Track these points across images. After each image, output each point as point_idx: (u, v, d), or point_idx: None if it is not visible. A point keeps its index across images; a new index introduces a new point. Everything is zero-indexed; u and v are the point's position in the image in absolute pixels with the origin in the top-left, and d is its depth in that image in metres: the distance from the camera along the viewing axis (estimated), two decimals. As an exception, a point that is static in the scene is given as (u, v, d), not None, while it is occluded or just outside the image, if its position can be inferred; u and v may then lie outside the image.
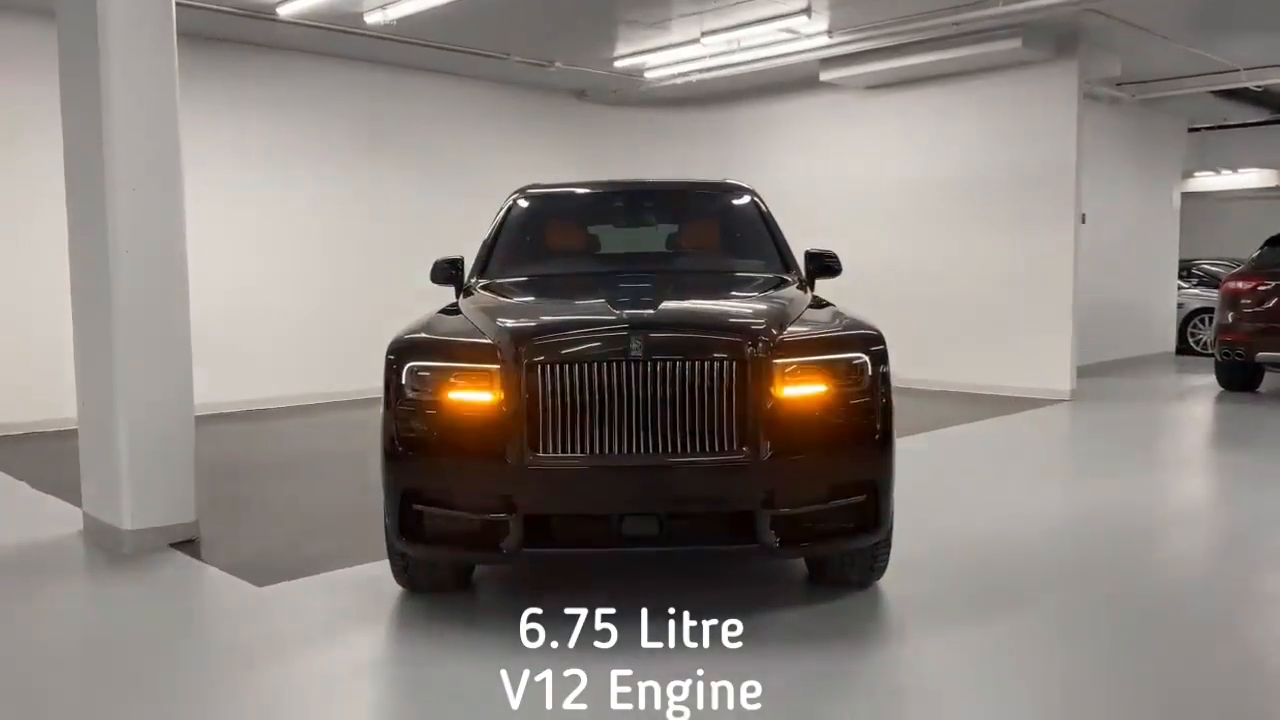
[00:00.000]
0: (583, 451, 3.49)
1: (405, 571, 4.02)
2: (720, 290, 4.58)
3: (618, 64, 10.58)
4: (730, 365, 3.52)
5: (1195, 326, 14.80)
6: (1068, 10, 8.60)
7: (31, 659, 3.57)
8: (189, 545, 4.90)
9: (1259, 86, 11.97)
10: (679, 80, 11.09)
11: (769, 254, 5.05)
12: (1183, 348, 14.83)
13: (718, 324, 3.85)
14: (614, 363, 3.49)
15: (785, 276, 4.82)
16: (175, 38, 4.92)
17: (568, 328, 3.70)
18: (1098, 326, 12.52)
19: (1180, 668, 3.41)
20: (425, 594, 4.12)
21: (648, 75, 11.07)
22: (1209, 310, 14.03)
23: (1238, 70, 11.11)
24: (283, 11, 8.38)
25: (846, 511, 3.66)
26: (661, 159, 11.94)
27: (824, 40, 9.55)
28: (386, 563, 4.11)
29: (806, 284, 4.80)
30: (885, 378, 3.73)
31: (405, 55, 10.15)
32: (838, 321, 4.01)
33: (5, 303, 8.28)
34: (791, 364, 3.61)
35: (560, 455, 3.49)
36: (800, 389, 3.61)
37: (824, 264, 4.84)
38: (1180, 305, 14.90)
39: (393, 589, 4.14)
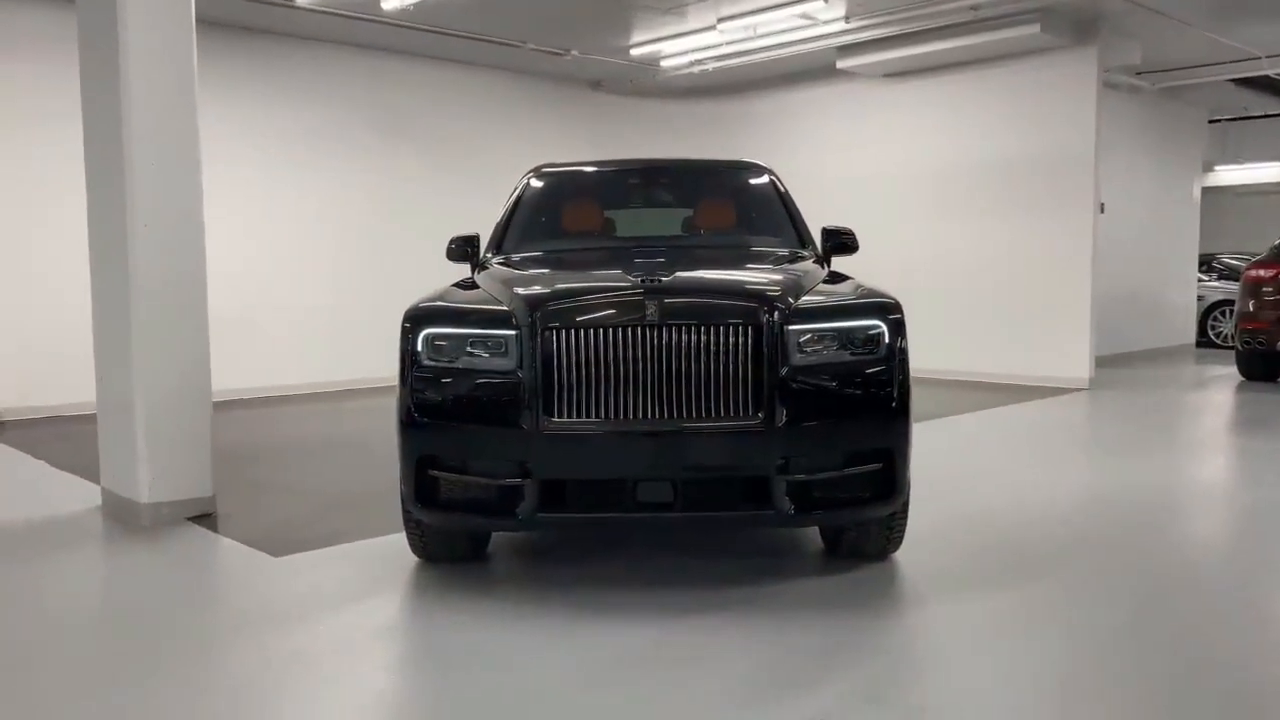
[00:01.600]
0: (598, 417, 3.49)
1: (421, 540, 4.03)
2: (736, 262, 4.57)
3: (633, 52, 10.57)
4: (746, 331, 3.51)
5: (1215, 319, 14.72)
6: (1086, -6, 8.56)
7: (51, 624, 3.60)
8: (206, 519, 4.94)
9: (1280, 74, 11.87)
10: (695, 69, 11.08)
11: (786, 231, 5.07)
12: (1203, 340, 14.76)
13: (734, 290, 3.84)
14: (630, 328, 3.48)
15: (801, 252, 4.82)
16: (193, 14, 4.95)
17: (583, 294, 3.69)
18: (1117, 318, 12.46)
19: (1197, 635, 3.38)
20: (440, 563, 4.13)
21: (663, 64, 11.05)
22: (1229, 303, 13.95)
23: (1259, 57, 11.02)
24: (300, -2, 8.43)
25: (862, 479, 3.65)
26: (676, 150, 11.92)
27: (841, 26, 9.52)
28: (402, 535, 4.14)
29: (823, 260, 4.79)
30: (903, 347, 3.71)
31: (420, 44, 10.18)
32: (855, 291, 4.00)
33: (20, 291, 8.35)
34: (807, 330, 3.61)
35: (576, 420, 3.49)
36: (816, 356, 3.60)
37: (840, 241, 4.82)
38: (1201, 298, 14.84)
39: (408, 559, 4.16)
